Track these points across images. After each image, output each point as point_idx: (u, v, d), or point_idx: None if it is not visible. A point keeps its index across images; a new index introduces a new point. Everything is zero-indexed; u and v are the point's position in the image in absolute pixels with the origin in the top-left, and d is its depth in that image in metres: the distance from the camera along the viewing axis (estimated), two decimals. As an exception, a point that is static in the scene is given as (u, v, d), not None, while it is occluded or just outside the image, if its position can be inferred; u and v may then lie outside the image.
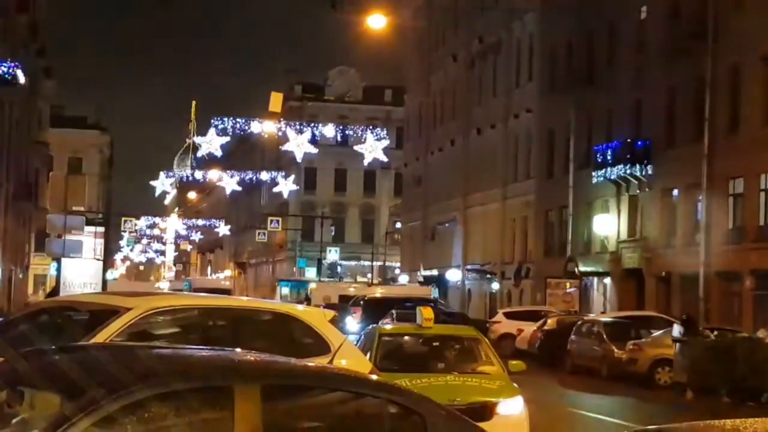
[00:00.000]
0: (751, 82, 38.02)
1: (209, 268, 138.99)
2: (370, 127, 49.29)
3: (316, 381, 5.60)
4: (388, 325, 15.70)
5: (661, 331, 29.65)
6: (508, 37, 60.69)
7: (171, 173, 65.05)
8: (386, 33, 40.68)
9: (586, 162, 48.70)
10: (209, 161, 60.59)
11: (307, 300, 51.24)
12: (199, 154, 52.72)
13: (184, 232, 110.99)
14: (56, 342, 7.97)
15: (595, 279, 49.47)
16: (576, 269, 48.49)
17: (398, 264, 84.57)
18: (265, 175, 65.68)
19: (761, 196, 37.60)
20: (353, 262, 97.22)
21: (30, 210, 65.60)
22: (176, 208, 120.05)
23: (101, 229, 43.29)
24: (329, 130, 49.80)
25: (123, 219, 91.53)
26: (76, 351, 6.21)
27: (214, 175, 66.00)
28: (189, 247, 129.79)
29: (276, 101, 44.92)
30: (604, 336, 30.86)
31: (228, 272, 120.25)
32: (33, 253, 72.18)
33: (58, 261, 30.46)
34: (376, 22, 35.59)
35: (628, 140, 44.93)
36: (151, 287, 78.85)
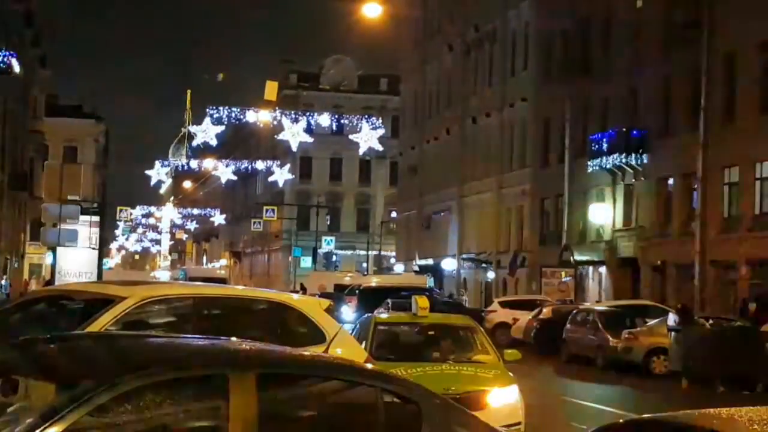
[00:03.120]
0: (747, 71, 38.03)
1: (204, 257, 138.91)
2: (366, 116, 49.11)
3: (311, 370, 5.60)
4: (383, 314, 15.71)
5: (656, 320, 29.67)
6: (503, 25, 60.63)
7: (166, 162, 64.82)
8: (382, 22, 40.53)
9: (581, 151, 48.69)
10: (204, 150, 60.45)
11: (303, 289, 51.27)
12: (195, 143, 52.56)
13: (179, 221, 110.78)
14: (51, 331, 7.97)
15: (591, 268, 49.52)
16: (571, 258, 48.50)
17: (394, 253, 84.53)
18: (260, 164, 65.54)
19: (756, 185, 37.66)
20: (348, 252, 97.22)
21: (25, 199, 65.60)
22: (171, 197, 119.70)
23: (96, 218, 43.15)
24: (324, 119, 49.63)
25: (118, 208, 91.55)
26: (71, 340, 6.21)
27: (209, 164, 65.86)
28: (184, 237, 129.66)
29: (271, 90, 44.72)
30: (600, 325, 30.86)
31: (223, 261, 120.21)
32: (28, 243, 72.22)
33: (54, 250, 30.34)
34: (372, 10, 35.38)
35: (624, 129, 44.97)
36: (147, 276, 78.89)
